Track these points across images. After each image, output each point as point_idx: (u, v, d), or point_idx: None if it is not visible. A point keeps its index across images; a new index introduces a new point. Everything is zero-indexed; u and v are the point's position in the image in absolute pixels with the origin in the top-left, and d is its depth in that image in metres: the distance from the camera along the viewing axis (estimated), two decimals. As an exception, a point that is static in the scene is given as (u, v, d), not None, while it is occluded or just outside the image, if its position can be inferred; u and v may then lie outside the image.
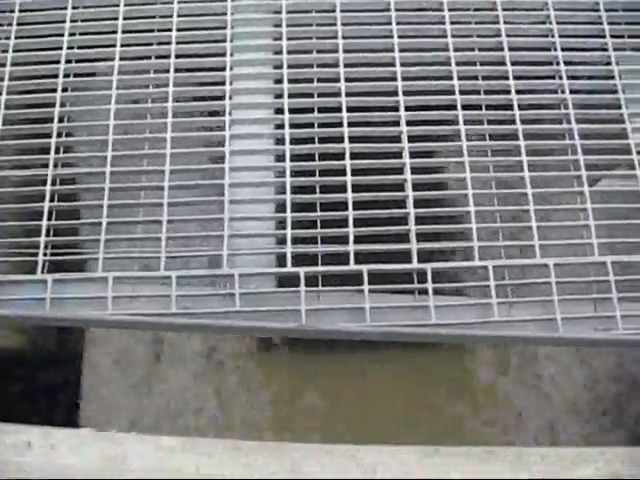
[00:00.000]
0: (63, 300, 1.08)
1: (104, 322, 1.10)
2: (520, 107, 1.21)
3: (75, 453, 1.07)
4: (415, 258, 1.10)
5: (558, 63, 1.25)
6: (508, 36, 1.27)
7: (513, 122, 1.20)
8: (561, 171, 1.19)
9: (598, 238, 1.14)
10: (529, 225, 1.14)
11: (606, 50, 1.27)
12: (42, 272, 1.10)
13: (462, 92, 1.21)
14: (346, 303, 1.07)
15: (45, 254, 1.11)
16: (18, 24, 1.27)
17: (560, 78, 1.24)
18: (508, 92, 1.22)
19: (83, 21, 1.28)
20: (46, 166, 1.16)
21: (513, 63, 1.24)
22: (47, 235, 1.12)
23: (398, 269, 1.10)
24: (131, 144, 1.19)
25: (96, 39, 1.26)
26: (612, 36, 1.28)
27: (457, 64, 1.23)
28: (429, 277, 1.09)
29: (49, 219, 1.13)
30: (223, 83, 1.21)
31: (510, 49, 1.25)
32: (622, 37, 1.28)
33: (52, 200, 1.14)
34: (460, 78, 1.22)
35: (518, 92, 1.22)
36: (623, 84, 1.25)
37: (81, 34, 1.26)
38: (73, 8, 1.28)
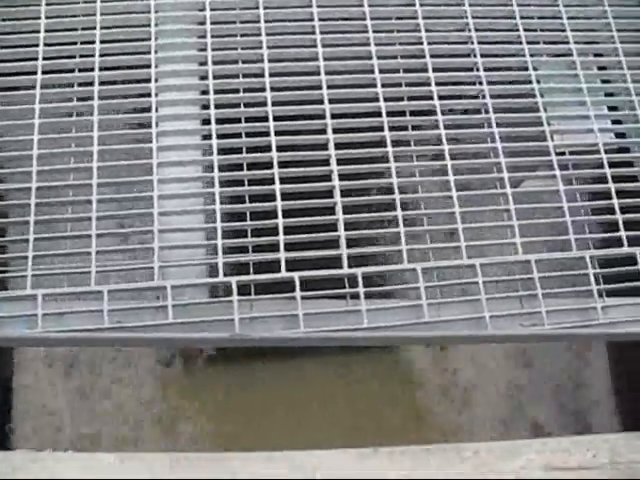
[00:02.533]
0: (-9, 319, 1.06)
1: (35, 340, 1.08)
2: (443, 112, 1.24)
3: (13, 475, 1.05)
4: (346, 263, 1.11)
5: (478, 69, 1.29)
6: (430, 43, 1.30)
7: (436, 127, 1.23)
8: (484, 174, 1.23)
9: (522, 237, 1.18)
10: (455, 227, 1.18)
11: (523, 56, 1.31)
12: (-32, 292, 1.07)
13: (386, 99, 1.24)
14: (279, 310, 1.08)
15: (-29, 273, 1.09)
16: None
17: (481, 84, 1.28)
18: (431, 98, 1.25)
19: (3, 34, 1.25)
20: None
21: (435, 70, 1.28)
22: (-28, 253, 1.09)
23: (329, 275, 1.11)
24: (57, 158, 1.17)
25: (18, 52, 1.24)
26: (529, 42, 1.33)
27: (381, 71, 1.26)
28: (360, 282, 1.11)
29: (-27, 237, 1.10)
30: (149, 95, 1.20)
31: (431, 55, 1.29)
32: (538, 43, 1.33)
33: (-23, 218, 1.11)
34: (384, 85, 1.25)
35: (440, 98, 1.25)
36: (541, 88, 1.29)
37: (1, 47, 1.24)
38: (-8, 22, 1.25)
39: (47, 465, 1.06)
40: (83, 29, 1.26)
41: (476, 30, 1.32)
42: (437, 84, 1.26)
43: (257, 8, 1.28)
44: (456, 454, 1.14)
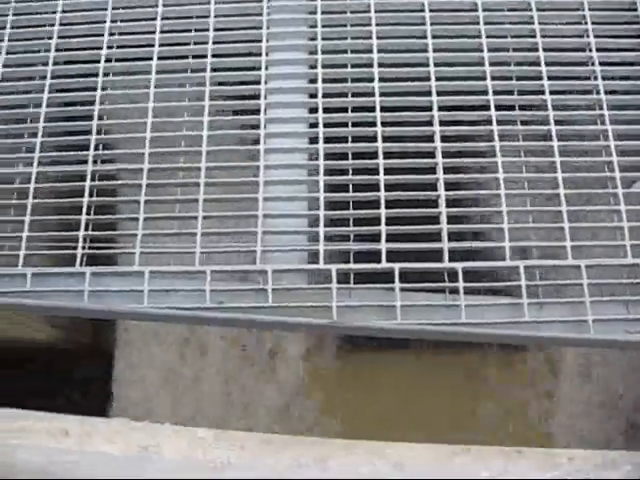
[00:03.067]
0: (100, 293, 1.11)
1: (140, 315, 1.12)
2: (554, 108, 1.21)
3: (111, 442, 1.10)
4: (446, 257, 1.10)
5: (593, 63, 1.25)
6: (543, 37, 1.27)
7: (547, 123, 1.20)
8: (595, 172, 1.19)
9: (631, 240, 1.14)
10: (561, 226, 1.14)
11: (641, 50, 1.26)
12: (80, 265, 1.13)
13: (495, 92, 1.22)
14: (377, 301, 1.08)
15: (84, 247, 1.14)
16: (60, 24, 1.30)
17: (595, 79, 1.24)
18: (542, 92, 1.22)
19: (122, 21, 1.31)
20: (84, 162, 1.19)
21: (548, 64, 1.24)
22: (86, 229, 1.14)
23: (429, 268, 1.10)
24: (168, 141, 1.21)
25: (135, 39, 1.29)
26: (649, 36, 1.27)
27: (491, 64, 1.24)
28: (460, 276, 1.09)
29: (88, 214, 1.15)
30: (259, 82, 1.22)
31: (545, 49, 1.25)
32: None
33: (91, 195, 1.17)
34: (494, 78, 1.23)
35: (552, 92, 1.22)
36: (658, 85, 1.24)
37: (120, 34, 1.29)
38: (113, 9, 1.31)
39: (145, 434, 1.11)
40: (197, 17, 1.30)
41: (592, 23, 1.28)
42: (549, 78, 1.23)
43: (368, -2, 1.29)
44: (550, 459, 1.12)
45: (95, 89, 1.25)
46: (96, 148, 1.20)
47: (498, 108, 1.21)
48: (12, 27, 1.31)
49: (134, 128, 1.22)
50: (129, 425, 1.14)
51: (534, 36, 1.27)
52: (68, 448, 1.11)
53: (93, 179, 1.18)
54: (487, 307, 1.09)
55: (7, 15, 1.32)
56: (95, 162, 1.19)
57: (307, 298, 1.07)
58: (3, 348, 1.57)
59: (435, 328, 1.07)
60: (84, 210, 1.15)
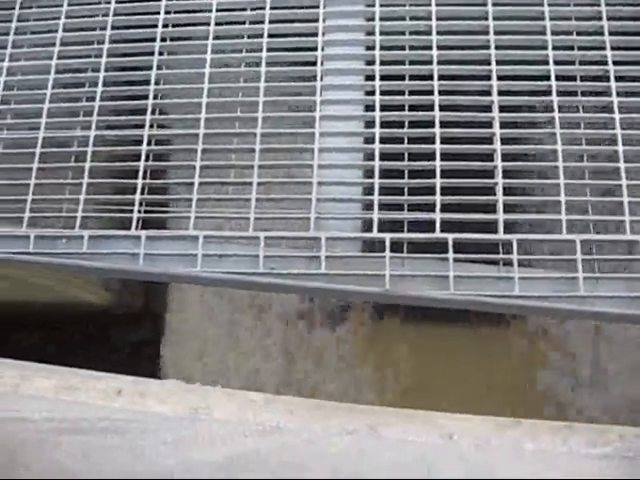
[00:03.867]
0: (155, 256, 1.13)
1: (194, 278, 1.13)
2: (616, 79, 1.18)
3: (163, 402, 1.12)
4: (501, 229, 1.09)
5: (658, 34, 1.21)
6: (607, 5, 1.23)
7: (608, 94, 1.17)
8: (657, 146, 1.16)
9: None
10: (620, 200, 1.12)
11: None
12: (136, 228, 1.14)
13: (556, 62, 1.19)
14: (430, 270, 1.07)
15: (139, 211, 1.15)
16: (119, -9, 1.31)
17: (659, 50, 1.20)
18: (605, 63, 1.19)
19: (180, -13, 1.31)
20: (141, 127, 1.20)
21: (611, 33, 1.21)
22: (141, 193, 1.16)
23: (484, 239, 1.09)
24: (224, 107, 1.21)
25: (192, 4, 1.29)
26: None
27: (552, 33, 1.21)
28: (514, 248, 1.08)
29: (144, 178, 1.17)
30: (315, 49, 1.22)
31: (608, 18, 1.22)
32: None
33: (147, 160, 1.18)
34: (555, 48, 1.20)
35: (615, 63, 1.19)
36: None
37: (178, -1, 1.30)
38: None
39: (197, 395, 1.13)
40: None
41: (660, -6, 1.24)
42: (612, 48, 1.19)
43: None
44: (599, 435, 1.10)
45: (152, 54, 1.25)
46: (153, 113, 1.21)
47: (558, 78, 1.18)
48: (72, -9, 1.33)
49: (191, 93, 1.22)
50: (181, 387, 1.15)
51: (598, 4, 1.23)
52: (120, 407, 1.13)
53: (149, 143, 1.19)
54: (541, 280, 1.08)
55: (67, -21, 1.33)
56: (152, 126, 1.20)
57: (360, 266, 1.08)
58: (60, 310, 1.61)
59: (488, 299, 1.06)
60: (140, 174, 1.17)
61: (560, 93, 1.17)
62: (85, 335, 1.72)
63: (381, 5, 1.24)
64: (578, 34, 1.22)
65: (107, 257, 1.14)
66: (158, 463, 0.58)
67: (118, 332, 1.77)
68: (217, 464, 0.63)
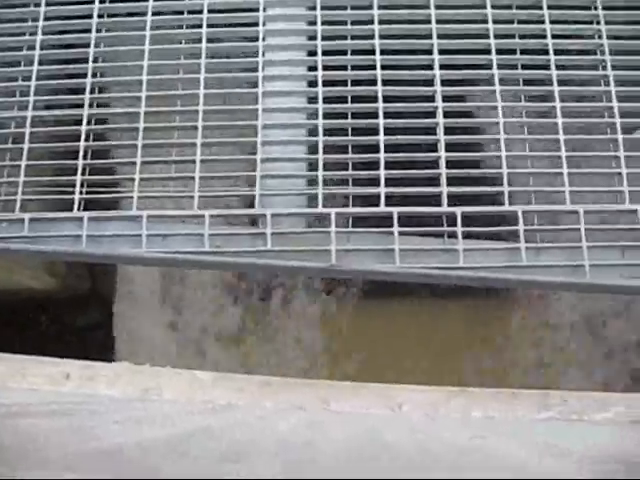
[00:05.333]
0: (98, 237, 1.11)
1: (138, 259, 1.12)
2: (555, 52, 1.20)
3: (113, 385, 1.11)
4: (445, 202, 1.10)
5: (596, 8, 1.23)
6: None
7: (548, 68, 1.19)
8: (595, 118, 1.18)
9: (630, 186, 1.13)
10: (560, 171, 1.14)
11: (645, -6, 1.24)
12: (78, 210, 1.12)
13: (497, 36, 1.20)
14: (376, 244, 1.08)
15: (81, 192, 1.13)
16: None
17: (598, 23, 1.22)
18: (544, 37, 1.21)
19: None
20: (80, 106, 1.18)
21: (550, 7, 1.22)
22: (83, 174, 1.14)
23: (428, 212, 1.10)
24: (165, 84, 1.19)
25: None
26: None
27: (493, 7, 1.21)
28: (459, 221, 1.09)
29: (84, 158, 1.14)
30: (257, 24, 1.20)
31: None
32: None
33: (87, 139, 1.16)
34: (495, 22, 1.21)
35: (554, 37, 1.20)
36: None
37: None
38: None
39: (146, 376, 1.12)
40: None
41: (595, -35, 1.26)
42: (551, 22, 1.21)
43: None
44: (543, 399, 1.14)
45: (90, 31, 1.22)
46: (92, 91, 1.18)
47: (499, 52, 1.19)
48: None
49: (130, 71, 1.20)
50: (130, 369, 1.15)
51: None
52: (69, 391, 1.12)
53: (89, 123, 1.16)
54: (485, 251, 1.10)
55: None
56: (91, 106, 1.17)
57: (306, 242, 1.08)
58: (4, 297, 1.57)
59: (433, 272, 1.07)
60: (81, 154, 1.14)
61: (500, 66, 1.18)
62: (33, 321, 1.69)
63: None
64: (517, 7, 1.23)
65: (49, 240, 1.11)
66: (107, 442, 0.57)
67: (66, 317, 1.74)
68: (168, 441, 0.63)
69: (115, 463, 0.48)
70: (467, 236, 1.10)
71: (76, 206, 1.12)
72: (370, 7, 1.20)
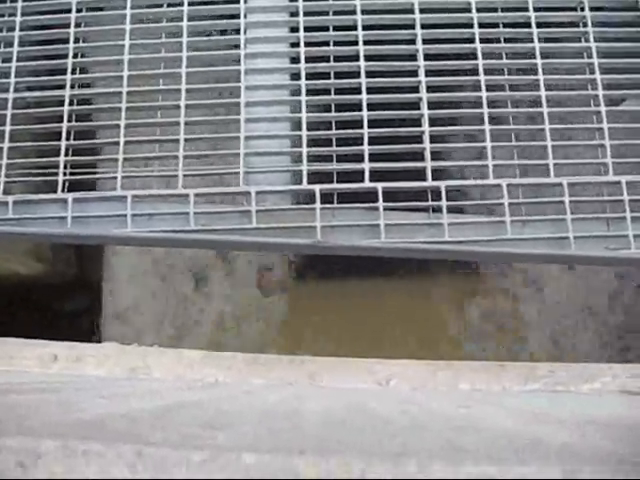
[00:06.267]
0: (83, 218, 1.10)
1: (124, 239, 1.12)
2: (538, 25, 1.19)
3: (100, 365, 1.11)
4: (429, 176, 1.10)
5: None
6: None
7: (530, 40, 1.19)
8: (578, 90, 1.18)
9: (613, 158, 1.14)
10: (544, 144, 1.14)
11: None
12: (62, 191, 1.12)
13: (479, 10, 1.20)
14: (361, 220, 1.08)
15: (65, 174, 1.13)
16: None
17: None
18: (526, 10, 1.20)
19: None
20: (62, 87, 1.17)
21: (531, -21, 1.22)
22: (66, 155, 1.13)
23: (412, 187, 1.11)
24: (147, 64, 1.19)
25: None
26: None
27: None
28: (443, 195, 1.10)
29: (67, 139, 1.14)
30: (238, 1, 1.20)
31: (529, -35, 1.23)
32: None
33: (70, 120, 1.15)
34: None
35: (536, 10, 1.20)
36: (644, 1, 1.22)
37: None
38: None
39: (134, 356, 1.12)
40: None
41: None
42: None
43: None
44: (530, 371, 1.14)
45: (70, 11, 1.21)
46: (73, 72, 1.17)
47: (482, 26, 1.19)
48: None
49: (111, 51, 1.19)
50: (118, 349, 1.15)
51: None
52: (57, 372, 1.12)
53: (72, 104, 1.16)
54: (470, 225, 1.10)
55: None
56: (73, 86, 1.17)
57: (291, 219, 1.08)
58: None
59: (418, 246, 1.08)
60: (64, 136, 1.13)
61: (483, 40, 1.18)
62: (20, 306, 1.68)
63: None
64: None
65: (34, 222, 1.11)
66: (92, 413, 0.57)
67: (54, 302, 1.74)
68: (154, 412, 0.63)
69: (98, 431, 0.48)
70: (451, 210, 1.10)
71: (60, 188, 1.12)
72: None
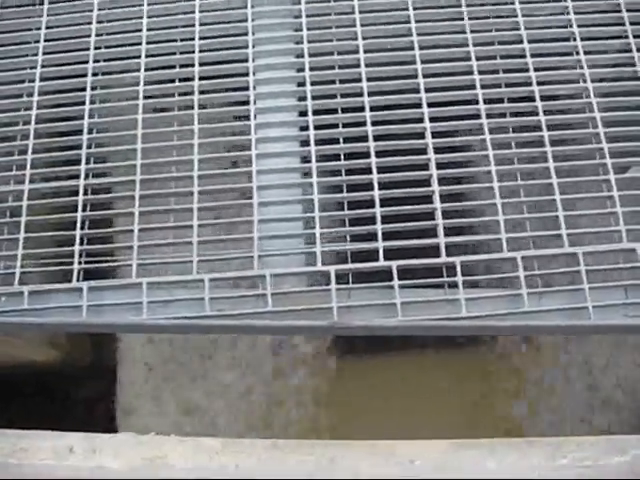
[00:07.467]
0: (99, 307, 1.10)
1: (140, 327, 1.12)
2: (542, 98, 1.21)
3: (117, 457, 1.09)
4: (443, 252, 1.10)
5: (578, 53, 1.25)
6: (527, 28, 1.27)
7: (536, 114, 1.21)
8: (586, 160, 1.19)
9: (626, 225, 1.14)
10: (556, 215, 1.15)
11: (627, 37, 1.27)
12: (77, 280, 1.12)
13: (483, 86, 1.22)
14: (377, 299, 1.08)
15: (80, 262, 1.13)
16: (45, 40, 1.30)
17: (581, 67, 1.24)
18: (529, 84, 1.23)
19: (108, 34, 1.30)
20: (76, 177, 1.19)
21: (533, 55, 1.25)
22: (81, 244, 1.14)
23: (427, 264, 1.10)
24: (160, 152, 1.21)
25: (120, 51, 1.29)
26: (632, 23, 1.28)
27: (477, 59, 1.24)
28: (458, 270, 1.09)
29: (82, 228, 1.15)
30: (247, 88, 1.23)
31: (529, 41, 1.26)
32: (640, 24, 1.28)
33: (84, 210, 1.16)
34: (481, 72, 1.23)
35: (539, 84, 1.23)
36: (636, 71, 1.25)
37: (106, 47, 1.29)
38: (98, 22, 1.31)
39: (151, 446, 1.10)
40: (183, 26, 1.30)
41: (575, 13, 1.29)
42: (535, 70, 1.23)
43: (352, -1, 1.29)
44: (558, 448, 1.12)
45: (83, 103, 1.24)
46: (87, 162, 1.20)
47: (487, 102, 1.21)
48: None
49: (124, 140, 1.21)
50: (134, 439, 1.13)
51: (518, 29, 1.27)
52: (73, 465, 1.10)
53: (86, 193, 1.17)
54: (487, 299, 1.09)
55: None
56: (87, 176, 1.19)
57: (307, 300, 1.07)
58: (3, 371, 1.56)
59: (436, 323, 1.07)
60: (78, 225, 1.15)
61: (489, 115, 1.20)
62: (35, 394, 1.67)
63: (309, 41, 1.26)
64: (502, 57, 1.26)
65: (49, 312, 1.11)
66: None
67: (70, 389, 1.73)
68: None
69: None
70: (468, 285, 1.10)
71: (75, 276, 1.12)
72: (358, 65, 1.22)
